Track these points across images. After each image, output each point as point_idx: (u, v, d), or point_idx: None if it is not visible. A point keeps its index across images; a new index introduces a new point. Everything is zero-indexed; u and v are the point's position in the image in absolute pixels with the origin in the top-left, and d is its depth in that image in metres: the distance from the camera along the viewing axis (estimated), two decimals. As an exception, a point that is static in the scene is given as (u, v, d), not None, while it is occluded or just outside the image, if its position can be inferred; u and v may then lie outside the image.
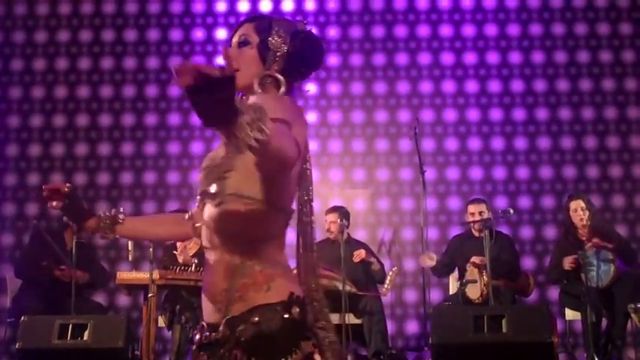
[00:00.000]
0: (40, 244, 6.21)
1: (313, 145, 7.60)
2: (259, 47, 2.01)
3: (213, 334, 1.87)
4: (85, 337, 4.88)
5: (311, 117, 7.69)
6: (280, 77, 1.98)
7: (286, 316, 1.83)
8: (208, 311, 1.91)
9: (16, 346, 4.98)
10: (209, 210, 1.91)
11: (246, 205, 1.85)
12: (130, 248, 5.59)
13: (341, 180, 7.54)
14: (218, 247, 1.90)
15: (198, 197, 1.98)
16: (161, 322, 6.02)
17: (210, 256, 1.92)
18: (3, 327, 6.66)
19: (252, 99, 1.91)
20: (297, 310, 1.85)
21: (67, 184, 2.14)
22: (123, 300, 7.16)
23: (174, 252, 6.13)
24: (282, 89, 1.97)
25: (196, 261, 5.94)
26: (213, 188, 1.89)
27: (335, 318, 5.75)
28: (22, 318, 5.03)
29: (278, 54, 2.00)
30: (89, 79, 7.83)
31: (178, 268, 5.82)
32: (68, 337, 4.85)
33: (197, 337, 1.93)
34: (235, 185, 1.86)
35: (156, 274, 5.59)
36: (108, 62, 7.82)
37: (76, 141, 7.75)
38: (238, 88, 1.93)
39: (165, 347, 6.83)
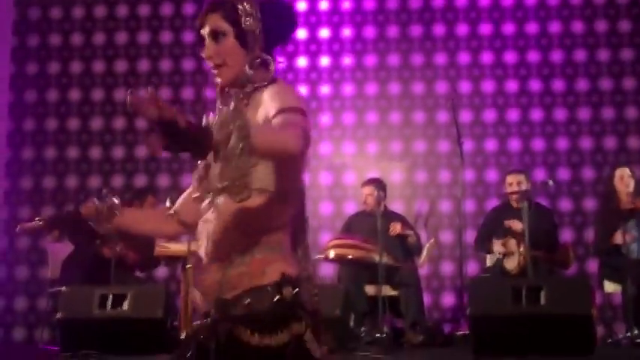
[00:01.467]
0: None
1: (350, 118, 7.58)
2: (237, 35, 1.94)
3: (207, 319, 1.88)
4: (125, 307, 4.94)
5: (348, 89, 7.66)
6: (268, 57, 1.95)
7: (277, 296, 1.82)
8: (202, 303, 1.92)
9: (57, 316, 5.06)
10: (225, 205, 1.87)
11: (266, 198, 1.85)
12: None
13: (377, 152, 7.50)
14: (221, 243, 1.88)
15: (207, 193, 1.92)
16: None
17: (207, 251, 1.91)
18: (45, 298, 6.79)
19: (269, 92, 1.90)
20: (290, 289, 1.83)
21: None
22: (161, 272, 7.23)
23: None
24: (272, 67, 1.94)
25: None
26: (235, 182, 1.81)
27: (371, 290, 5.76)
28: (63, 288, 5.11)
29: (256, 33, 1.94)
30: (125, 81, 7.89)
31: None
32: (108, 307, 4.92)
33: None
34: (261, 179, 1.84)
35: (194, 246, 5.63)
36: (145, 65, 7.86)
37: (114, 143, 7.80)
38: (230, 81, 1.94)
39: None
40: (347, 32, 7.75)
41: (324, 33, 7.77)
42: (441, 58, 7.62)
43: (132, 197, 6.38)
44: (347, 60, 7.70)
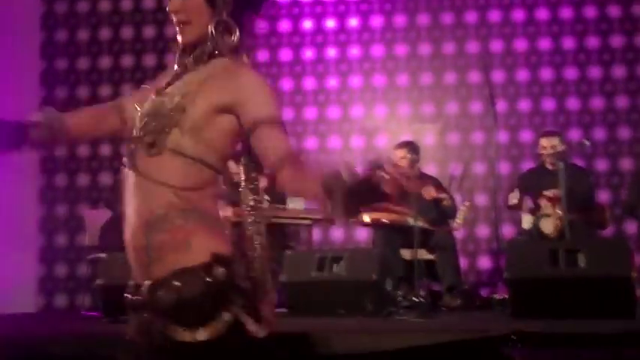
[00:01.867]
0: None
1: (380, 80, 7.52)
2: None
3: (137, 296, 1.80)
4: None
5: (377, 51, 7.60)
6: (232, 23, 1.89)
7: (208, 279, 1.73)
8: (134, 268, 1.83)
9: (97, 283, 5.14)
10: (141, 158, 1.82)
11: (180, 160, 1.80)
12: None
13: (409, 115, 7.46)
14: (143, 193, 1.80)
15: (131, 139, 1.87)
16: (235, 258, 6.12)
17: (133, 203, 1.82)
18: (84, 264, 6.90)
19: (247, 79, 1.87)
20: (221, 270, 1.75)
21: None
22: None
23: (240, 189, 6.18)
24: (236, 36, 1.89)
25: (267, 198, 5.99)
26: (149, 139, 1.81)
27: (407, 254, 5.77)
28: (103, 255, 5.17)
29: None
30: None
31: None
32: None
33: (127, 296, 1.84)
34: (176, 142, 1.80)
35: (229, 211, 5.66)
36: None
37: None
38: (192, 41, 1.90)
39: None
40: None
41: (353, -6, 7.70)
42: (471, 17, 7.52)
43: None
44: (376, 21, 7.63)
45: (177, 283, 1.72)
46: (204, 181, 1.86)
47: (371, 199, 1.65)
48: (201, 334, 1.72)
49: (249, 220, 1.96)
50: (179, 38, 1.91)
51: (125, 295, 1.83)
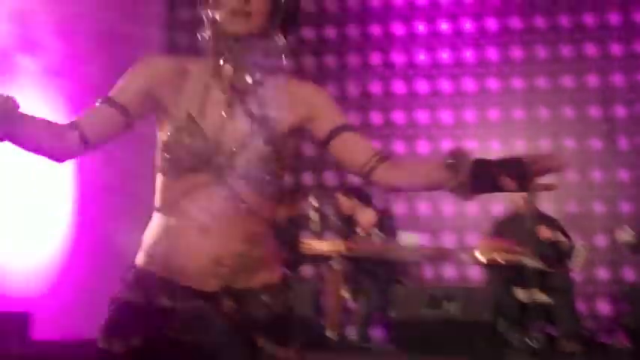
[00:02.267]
0: None
1: (496, 114, 7.38)
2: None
3: (203, 302, 1.73)
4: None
5: (492, 84, 7.49)
6: (296, 23, 1.88)
7: (285, 297, 1.79)
8: (199, 276, 1.73)
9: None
10: (248, 194, 1.77)
11: (278, 189, 1.83)
12: (314, 219, 5.70)
13: (525, 151, 7.27)
14: (247, 203, 1.76)
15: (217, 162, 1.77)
16: (344, 292, 6.11)
17: (223, 212, 1.75)
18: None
19: (307, 91, 1.88)
20: (288, 289, 1.83)
21: None
22: (306, 270, 7.32)
23: (353, 222, 6.18)
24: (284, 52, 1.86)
25: (379, 232, 5.97)
26: (248, 171, 1.78)
27: (522, 294, 5.60)
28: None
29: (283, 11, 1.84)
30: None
31: (363, 240, 5.88)
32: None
33: (164, 301, 1.73)
34: (273, 170, 1.81)
35: (340, 245, 5.67)
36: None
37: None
38: (246, 34, 1.80)
39: (349, 318, 6.92)
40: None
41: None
42: (591, 50, 7.30)
43: (281, 197, 6.45)
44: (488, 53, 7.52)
45: (265, 298, 1.76)
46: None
47: (498, 181, 1.65)
48: (286, 353, 1.75)
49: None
50: (234, 27, 1.81)
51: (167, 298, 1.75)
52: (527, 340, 4.85)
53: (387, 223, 6.19)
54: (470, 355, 4.67)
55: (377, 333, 6.52)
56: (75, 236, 6.29)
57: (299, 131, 1.86)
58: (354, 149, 1.85)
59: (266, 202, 1.80)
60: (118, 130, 1.83)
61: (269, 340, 1.73)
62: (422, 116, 7.56)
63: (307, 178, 7.68)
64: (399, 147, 7.49)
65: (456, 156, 1.71)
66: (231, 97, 1.81)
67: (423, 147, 7.49)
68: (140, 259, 1.80)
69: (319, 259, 6.13)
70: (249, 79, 1.82)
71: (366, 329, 6.03)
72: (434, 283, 6.86)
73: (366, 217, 6.20)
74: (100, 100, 1.82)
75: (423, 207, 7.43)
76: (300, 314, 4.96)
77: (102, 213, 6.32)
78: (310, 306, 5.01)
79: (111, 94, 1.82)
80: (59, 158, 1.79)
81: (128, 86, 1.82)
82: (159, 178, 1.82)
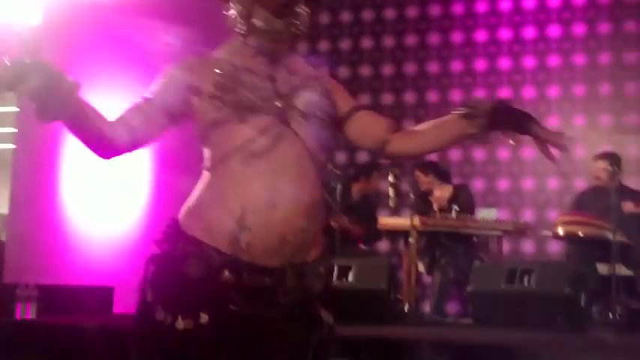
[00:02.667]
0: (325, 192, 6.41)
1: (580, 89, 7.19)
2: None
3: (267, 278, 1.69)
4: (350, 279, 5.03)
5: (579, 59, 7.28)
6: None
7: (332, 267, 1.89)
8: (265, 253, 1.69)
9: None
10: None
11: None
12: (391, 195, 5.67)
13: (610, 125, 7.06)
14: (307, 177, 1.74)
15: (277, 104, 1.75)
16: (421, 267, 6.07)
17: (285, 187, 1.70)
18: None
19: (329, 81, 1.91)
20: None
21: None
22: (382, 245, 7.30)
23: (429, 198, 6.12)
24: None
25: (456, 208, 5.89)
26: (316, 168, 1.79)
27: (604, 269, 5.44)
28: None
29: None
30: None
31: (439, 214, 5.82)
32: (334, 278, 5.03)
33: (228, 275, 1.68)
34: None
35: (417, 220, 5.63)
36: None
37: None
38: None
39: (425, 292, 6.89)
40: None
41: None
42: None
43: (357, 173, 6.47)
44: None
45: (321, 269, 1.77)
46: None
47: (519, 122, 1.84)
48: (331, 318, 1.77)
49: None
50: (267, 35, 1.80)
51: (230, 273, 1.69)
52: (609, 314, 4.70)
53: (464, 199, 6.11)
54: (550, 329, 4.56)
55: (453, 308, 6.46)
56: (156, 209, 6.44)
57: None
58: (370, 125, 1.90)
59: (323, 154, 1.81)
60: (161, 131, 1.80)
61: (327, 311, 1.75)
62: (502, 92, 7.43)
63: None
64: (503, 154, 7.40)
65: (471, 105, 1.84)
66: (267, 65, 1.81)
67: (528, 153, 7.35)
68: (199, 231, 1.72)
69: (395, 234, 6.10)
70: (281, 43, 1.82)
71: (442, 304, 5.98)
72: (513, 258, 6.75)
73: (443, 192, 6.14)
74: (143, 99, 1.78)
75: (503, 182, 7.31)
76: (375, 289, 4.95)
77: (181, 185, 6.44)
78: (386, 281, 4.97)
79: (150, 94, 1.79)
80: (106, 154, 1.75)
81: (168, 84, 1.79)
82: (212, 133, 1.75)
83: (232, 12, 1.81)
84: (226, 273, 1.68)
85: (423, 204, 6.09)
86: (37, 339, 4.10)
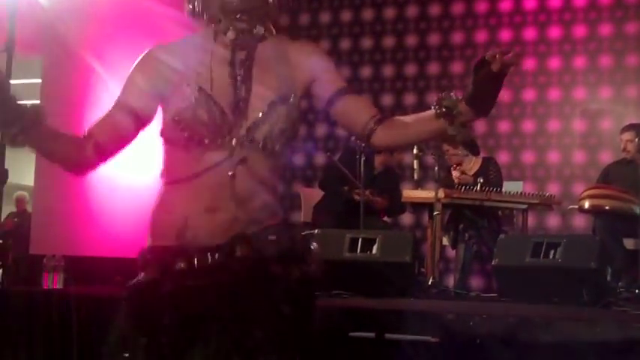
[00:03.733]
0: (347, 165, 6.41)
1: (607, 61, 7.08)
2: None
3: (217, 254, 1.77)
4: (374, 251, 5.02)
5: (604, 29, 7.16)
6: None
7: (294, 233, 1.86)
8: (211, 237, 1.78)
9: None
10: (259, 160, 1.83)
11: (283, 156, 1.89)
12: (415, 167, 5.64)
13: (637, 96, 6.96)
14: (251, 193, 1.82)
15: (221, 140, 1.80)
16: (445, 240, 6.04)
17: (235, 189, 1.79)
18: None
19: (307, 51, 1.92)
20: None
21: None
22: (406, 218, 7.29)
23: (455, 171, 6.08)
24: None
25: (481, 180, 5.85)
26: (263, 142, 1.83)
27: (630, 243, 5.39)
28: (317, 231, 5.29)
29: None
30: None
31: (463, 188, 5.78)
32: (358, 251, 5.02)
33: (181, 264, 1.77)
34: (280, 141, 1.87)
35: (441, 193, 5.60)
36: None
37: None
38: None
39: (448, 266, 6.87)
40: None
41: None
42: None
43: None
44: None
45: (273, 237, 1.81)
46: None
47: (492, 86, 1.78)
48: (295, 272, 1.79)
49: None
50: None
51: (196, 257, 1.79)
52: (635, 289, 4.66)
53: (493, 172, 6.06)
54: (576, 303, 4.53)
55: (477, 282, 6.44)
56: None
57: (304, 95, 1.90)
58: (355, 113, 1.91)
59: (276, 173, 1.86)
60: (130, 133, 1.86)
61: (281, 267, 1.78)
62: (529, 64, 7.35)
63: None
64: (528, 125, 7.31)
65: (442, 102, 1.81)
66: (237, 58, 1.83)
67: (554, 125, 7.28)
68: (151, 238, 1.85)
69: (420, 207, 6.08)
70: (256, 31, 1.83)
71: (466, 278, 5.97)
72: (538, 232, 6.71)
73: (470, 165, 6.09)
74: (113, 104, 1.85)
75: (528, 155, 7.25)
76: (399, 262, 4.94)
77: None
78: (410, 254, 4.96)
79: (118, 97, 1.85)
80: (77, 170, 1.88)
81: (133, 87, 1.84)
82: (169, 152, 1.85)
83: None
84: (178, 262, 1.76)
85: (449, 176, 6.06)
86: (63, 308, 4.14)
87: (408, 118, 1.92)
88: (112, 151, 1.87)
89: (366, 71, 7.95)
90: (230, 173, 1.78)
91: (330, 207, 6.33)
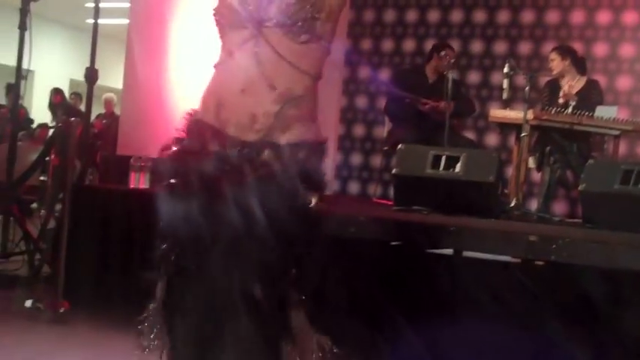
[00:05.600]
0: (403, 81, 6.34)
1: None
2: None
3: (247, 150, 1.87)
4: (457, 169, 4.93)
5: None
6: None
7: (323, 158, 1.92)
8: (240, 129, 1.90)
9: (393, 172, 5.22)
10: (283, 43, 1.88)
11: (322, 47, 1.93)
12: (504, 86, 5.48)
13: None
14: (276, 75, 1.88)
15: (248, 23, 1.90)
16: (531, 163, 5.90)
17: (262, 68, 1.88)
18: (379, 155, 7.09)
19: None
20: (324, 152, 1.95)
21: None
22: (492, 139, 7.15)
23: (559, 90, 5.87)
24: None
25: (576, 99, 5.66)
26: (299, 24, 1.88)
27: None
28: (400, 146, 5.23)
29: None
30: None
31: (554, 110, 5.60)
32: (441, 168, 4.95)
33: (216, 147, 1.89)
34: (323, 30, 1.92)
35: (530, 114, 5.44)
36: None
37: None
38: None
39: (532, 190, 6.75)
40: None
41: None
42: None
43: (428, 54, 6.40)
44: None
45: (302, 154, 1.87)
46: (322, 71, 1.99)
47: None
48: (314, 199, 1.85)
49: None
50: None
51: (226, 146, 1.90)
52: None
53: (596, 94, 5.84)
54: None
55: (561, 208, 6.31)
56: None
57: None
58: None
59: (305, 52, 1.89)
60: None
61: (304, 187, 1.83)
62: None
63: (500, 47, 7.42)
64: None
65: None
66: None
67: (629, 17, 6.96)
68: (198, 108, 2.00)
69: (507, 127, 5.93)
70: None
71: (550, 202, 5.84)
72: (629, 160, 6.50)
73: (575, 82, 5.87)
74: None
75: (624, 80, 6.98)
76: (483, 181, 4.86)
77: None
78: (495, 174, 4.86)
79: None
80: None
81: None
82: (220, 37, 2.01)
83: None
84: (214, 144, 1.92)
85: (548, 95, 5.88)
86: (149, 207, 4.25)
87: None
88: None
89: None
90: (255, 50, 1.88)
91: (406, 125, 6.21)
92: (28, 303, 4.37)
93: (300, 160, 1.86)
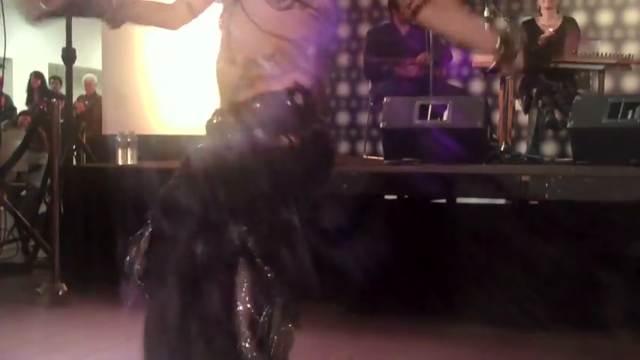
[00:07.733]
0: (377, 42, 6.25)
1: None
2: None
3: (220, 118, 1.87)
4: (445, 118, 4.91)
5: None
6: None
7: (288, 102, 1.79)
8: (223, 96, 1.91)
9: (381, 126, 5.19)
10: (260, 9, 1.82)
11: (307, 14, 1.82)
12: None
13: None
14: (249, 44, 1.84)
15: None
16: (517, 105, 5.88)
17: (244, 39, 1.85)
18: (365, 112, 7.05)
19: None
20: (301, 97, 1.79)
21: None
22: (477, 86, 7.12)
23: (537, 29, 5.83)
24: None
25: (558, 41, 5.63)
26: None
27: None
28: (385, 99, 5.19)
29: None
30: None
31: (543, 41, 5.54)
32: (428, 117, 4.93)
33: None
34: None
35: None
36: None
37: None
38: None
39: (520, 133, 6.74)
40: None
41: None
42: None
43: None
44: None
45: (257, 105, 1.80)
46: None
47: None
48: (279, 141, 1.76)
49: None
50: None
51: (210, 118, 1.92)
52: None
53: (574, 31, 5.79)
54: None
55: (550, 149, 6.31)
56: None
57: None
58: None
59: (283, 18, 1.81)
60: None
61: (264, 131, 1.76)
62: None
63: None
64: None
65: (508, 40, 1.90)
66: None
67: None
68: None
69: (491, 71, 5.89)
70: None
71: (539, 143, 5.83)
72: (615, 93, 6.49)
73: (554, 20, 5.82)
74: None
75: (605, 16, 6.92)
76: (471, 128, 4.84)
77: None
78: (482, 120, 4.84)
79: None
80: (172, 26, 2.10)
81: None
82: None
83: None
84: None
85: (529, 37, 5.83)
86: (138, 182, 4.22)
87: (464, 18, 1.94)
88: (199, 13, 2.09)
89: None
90: (231, 19, 1.86)
91: (396, 76, 6.15)
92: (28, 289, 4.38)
93: (257, 109, 1.80)
